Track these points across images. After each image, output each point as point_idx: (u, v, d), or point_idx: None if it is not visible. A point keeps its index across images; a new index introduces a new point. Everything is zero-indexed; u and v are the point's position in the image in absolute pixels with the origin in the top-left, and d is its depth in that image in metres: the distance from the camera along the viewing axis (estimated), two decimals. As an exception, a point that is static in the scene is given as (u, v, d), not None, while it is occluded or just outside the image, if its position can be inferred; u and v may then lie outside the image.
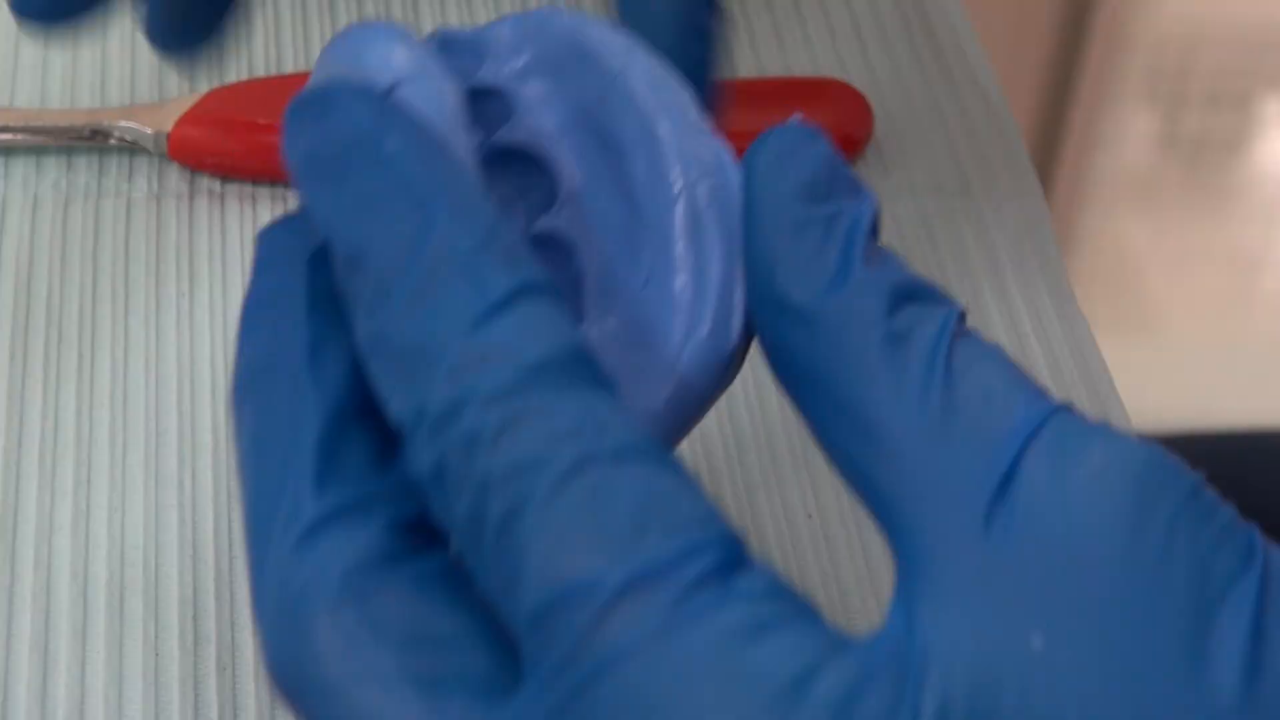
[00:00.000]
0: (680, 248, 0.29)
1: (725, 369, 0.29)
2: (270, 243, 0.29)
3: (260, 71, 0.48)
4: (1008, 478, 0.25)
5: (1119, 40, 1.32)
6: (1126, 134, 1.38)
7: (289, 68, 0.48)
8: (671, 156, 0.30)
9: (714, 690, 0.23)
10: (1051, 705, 0.24)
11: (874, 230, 0.28)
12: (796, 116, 0.29)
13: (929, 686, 0.24)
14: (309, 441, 0.26)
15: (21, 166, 0.45)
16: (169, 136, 0.45)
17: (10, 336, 0.42)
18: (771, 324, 0.28)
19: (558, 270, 0.31)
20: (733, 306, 0.29)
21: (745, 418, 0.42)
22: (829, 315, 0.27)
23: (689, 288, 0.29)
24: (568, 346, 0.25)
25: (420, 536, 0.26)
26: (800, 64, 0.50)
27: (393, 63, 0.29)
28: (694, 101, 0.30)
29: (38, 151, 0.45)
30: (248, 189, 0.45)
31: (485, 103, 0.32)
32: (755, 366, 0.29)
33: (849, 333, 0.27)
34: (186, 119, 0.45)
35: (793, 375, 0.28)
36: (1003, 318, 0.45)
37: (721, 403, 0.34)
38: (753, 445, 0.42)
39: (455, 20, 0.49)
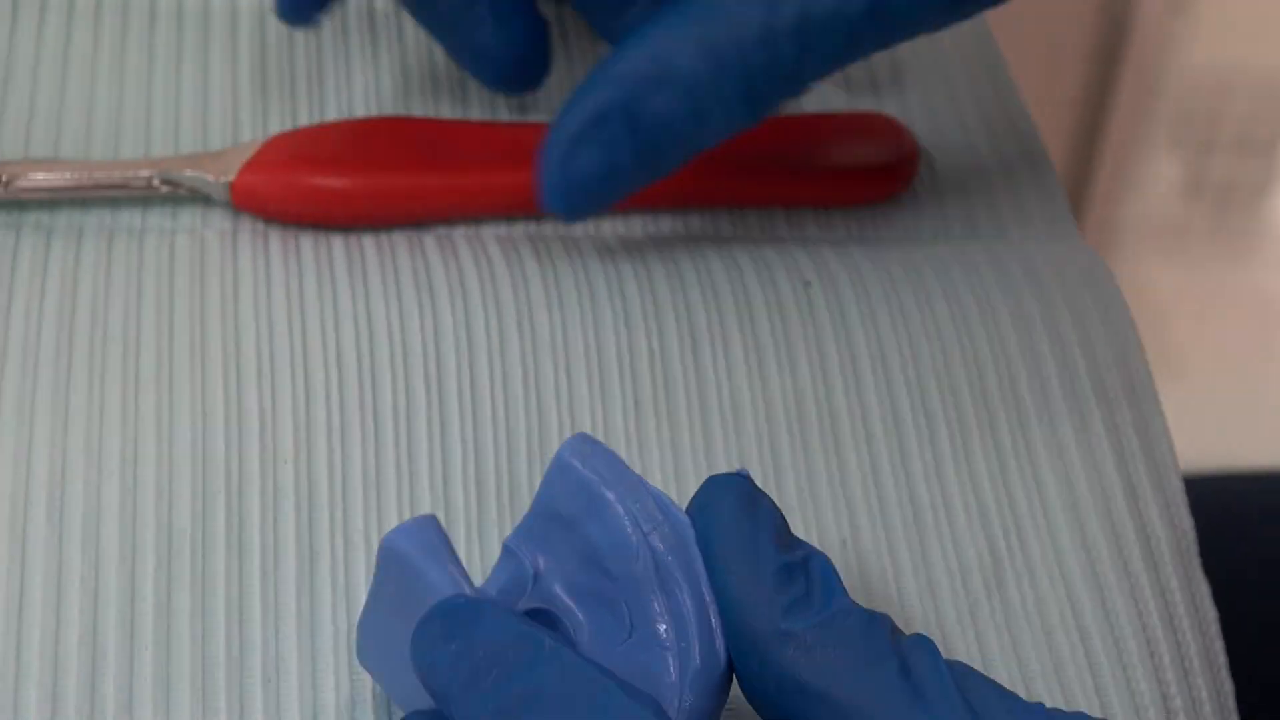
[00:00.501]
0: (655, 601, 0.33)
1: (724, 685, 0.33)
2: None
3: (332, 115, 0.48)
4: None
5: (1148, 86, 1.32)
6: (1154, 180, 1.39)
7: (359, 111, 0.48)
8: (622, 516, 0.33)
9: None
10: None
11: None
12: (740, 469, 0.34)
13: None
14: None
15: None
16: (232, 185, 0.45)
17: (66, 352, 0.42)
18: (761, 654, 0.32)
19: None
20: (714, 632, 0.33)
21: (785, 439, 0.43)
22: (830, 641, 0.32)
23: (671, 630, 0.33)
24: None
25: None
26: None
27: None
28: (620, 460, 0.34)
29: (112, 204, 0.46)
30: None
31: None
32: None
33: (855, 654, 0.32)
34: (250, 165, 0.45)
35: (785, 695, 0.32)
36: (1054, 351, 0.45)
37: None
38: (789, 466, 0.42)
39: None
